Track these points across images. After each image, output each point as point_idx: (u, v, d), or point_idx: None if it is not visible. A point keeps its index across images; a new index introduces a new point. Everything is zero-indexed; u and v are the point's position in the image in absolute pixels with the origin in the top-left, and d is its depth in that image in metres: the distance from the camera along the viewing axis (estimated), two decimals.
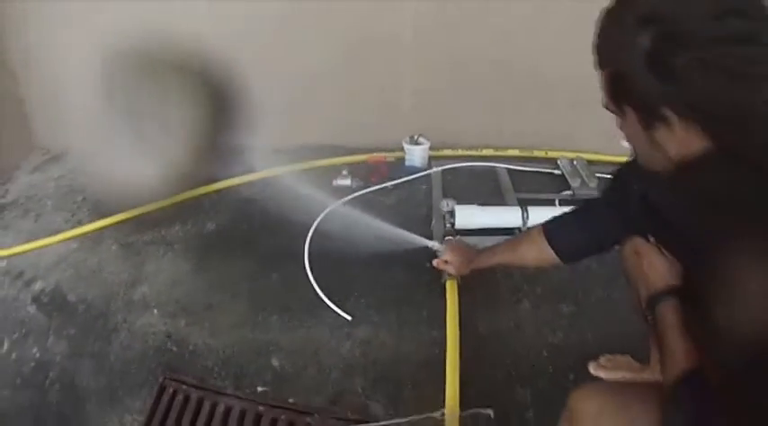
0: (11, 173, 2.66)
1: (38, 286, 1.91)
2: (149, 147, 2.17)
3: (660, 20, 0.67)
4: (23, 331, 1.75)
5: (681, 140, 0.70)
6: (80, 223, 2.19)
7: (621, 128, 0.80)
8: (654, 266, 0.89)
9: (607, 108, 0.79)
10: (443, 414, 1.24)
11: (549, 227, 1.21)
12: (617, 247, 1.06)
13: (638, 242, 0.95)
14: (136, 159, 2.18)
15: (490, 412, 1.25)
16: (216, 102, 2.16)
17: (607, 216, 1.07)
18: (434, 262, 1.52)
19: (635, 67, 0.70)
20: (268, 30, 2.25)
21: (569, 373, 1.39)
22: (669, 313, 0.83)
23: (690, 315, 0.81)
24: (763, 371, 0.61)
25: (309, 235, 1.93)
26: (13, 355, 1.67)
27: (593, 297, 1.61)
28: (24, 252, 2.06)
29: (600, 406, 0.84)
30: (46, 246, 2.09)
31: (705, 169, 0.70)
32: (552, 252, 1.18)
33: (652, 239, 0.93)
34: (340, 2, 2.17)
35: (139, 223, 2.17)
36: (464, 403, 1.27)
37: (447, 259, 1.47)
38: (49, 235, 2.14)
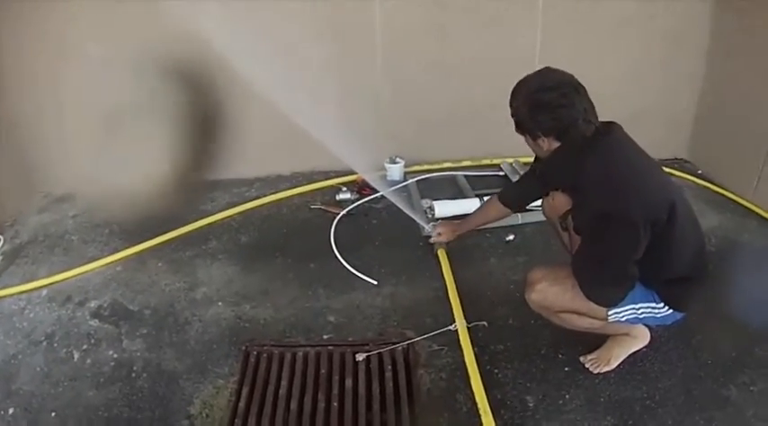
0: (15, 216, 2.74)
1: (92, 304, 2.08)
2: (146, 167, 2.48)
3: (530, 97, 1.47)
4: (92, 341, 1.91)
5: (548, 144, 1.51)
6: (116, 250, 2.40)
7: (526, 141, 1.57)
8: (559, 201, 1.65)
9: (517, 132, 1.56)
10: (456, 327, 1.87)
11: (500, 193, 1.96)
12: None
13: (550, 193, 1.73)
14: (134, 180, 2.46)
15: (485, 323, 1.88)
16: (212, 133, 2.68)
17: (530, 181, 1.85)
18: (432, 239, 2.19)
19: (524, 118, 1.49)
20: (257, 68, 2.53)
21: None
22: (570, 220, 1.61)
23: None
24: (590, 232, 1.48)
25: (332, 231, 2.49)
26: (88, 361, 1.83)
27: (538, 251, 2.31)
28: (65, 280, 2.23)
29: (541, 274, 1.63)
30: (89, 271, 2.28)
31: (557, 153, 1.50)
32: (505, 207, 1.93)
33: (553, 191, 1.73)
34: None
35: (178, 243, 2.47)
36: (466, 320, 1.89)
37: (439, 231, 2.15)
38: (85, 263, 2.31)
